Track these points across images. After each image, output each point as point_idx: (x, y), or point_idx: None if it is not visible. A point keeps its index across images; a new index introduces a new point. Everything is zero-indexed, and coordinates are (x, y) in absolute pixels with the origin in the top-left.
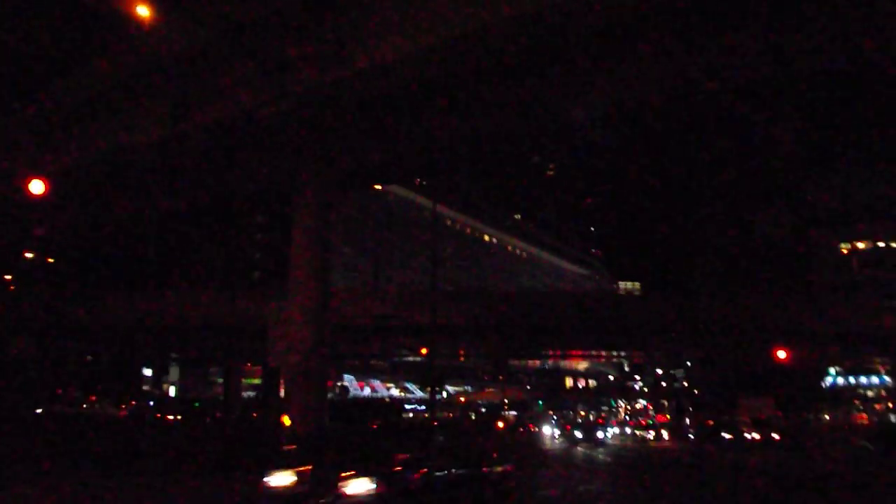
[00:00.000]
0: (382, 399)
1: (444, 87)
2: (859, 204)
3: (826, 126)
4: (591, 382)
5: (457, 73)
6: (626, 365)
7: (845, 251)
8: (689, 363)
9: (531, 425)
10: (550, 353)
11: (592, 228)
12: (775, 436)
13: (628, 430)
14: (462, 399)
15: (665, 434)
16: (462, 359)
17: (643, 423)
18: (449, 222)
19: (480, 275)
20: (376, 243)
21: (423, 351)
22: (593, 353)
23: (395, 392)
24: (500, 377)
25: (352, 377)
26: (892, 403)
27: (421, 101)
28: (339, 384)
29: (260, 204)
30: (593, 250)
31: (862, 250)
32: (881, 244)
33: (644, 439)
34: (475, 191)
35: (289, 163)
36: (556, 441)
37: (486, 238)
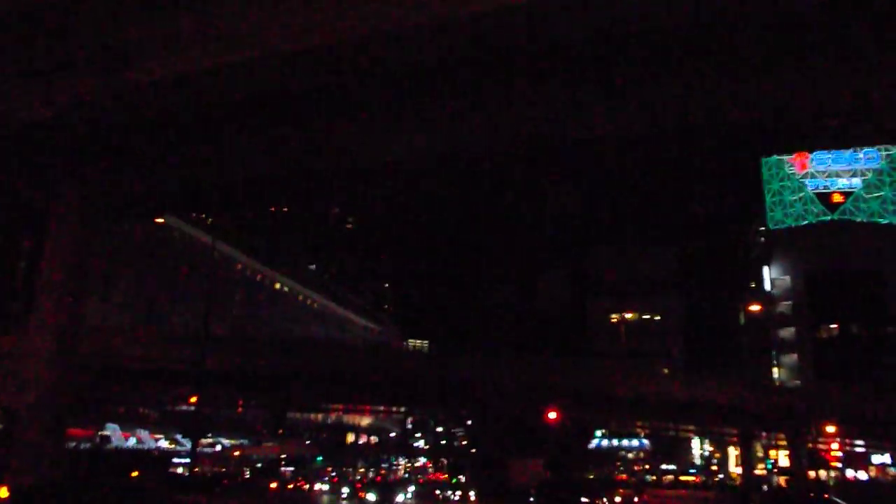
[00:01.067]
0: (148, 451)
1: (225, 115)
2: (631, 279)
3: (611, 201)
4: (373, 439)
5: (243, 101)
6: (408, 422)
7: (615, 320)
8: (469, 422)
9: (302, 482)
10: (332, 407)
11: (386, 285)
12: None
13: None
14: (236, 453)
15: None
16: (240, 410)
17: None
18: (239, 266)
19: (268, 322)
20: (154, 281)
21: (193, 399)
22: (376, 408)
23: (165, 444)
24: (280, 431)
25: (116, 426)
26: (650, 465)
27: (199, 128)
28: (99, 433)
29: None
30: (385, 307)
31: (629, 321)
32: (646, 316)
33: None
34: (270, 238)
35: (46, 179)
36: (343, 500)
37: (277, 286)
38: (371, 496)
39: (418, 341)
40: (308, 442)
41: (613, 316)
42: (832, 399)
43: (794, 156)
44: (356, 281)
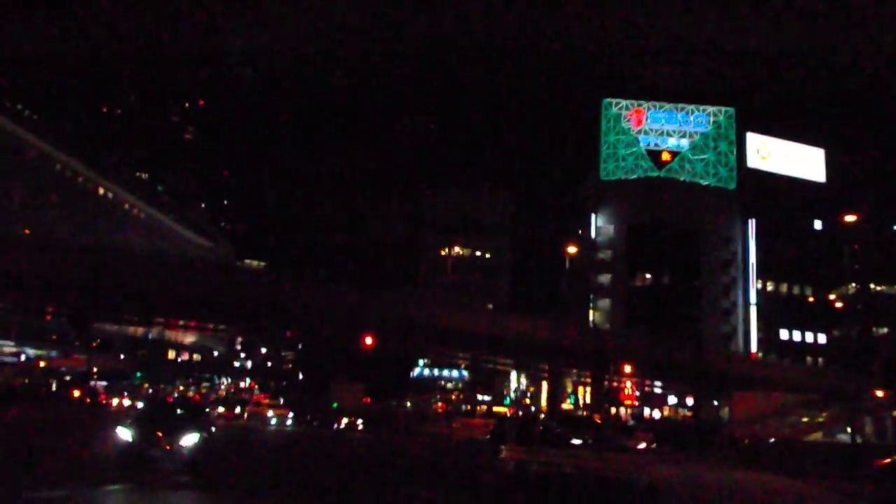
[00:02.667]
0: None
1: None
2: (466, 217)
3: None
4: (196, 357)
5: None
6: (236, 342)
7: (443, 254)
8: (300, 345)
9: (103, 395)
10: (153, 321)
11: (225, 202)
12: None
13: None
14: (42, 364)
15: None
16: (48, 317)
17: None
18: (58, 166)
19: (85, 229)
20: None
21: None
22: (200, 325)
23: None
24: (93, 344)
25: None
26: (466, 395)
27: None
28: None
29: None
30: (223, 224)
31: (459, 256)
32: (478, 253)
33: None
34: (99, 141)
35: None
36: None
37: (101, 191)
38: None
39: (254, 262)
40: (123, 357)
41: (442, 250)
42: (635, 343)
43: (632, 111)
44: (192, 195)
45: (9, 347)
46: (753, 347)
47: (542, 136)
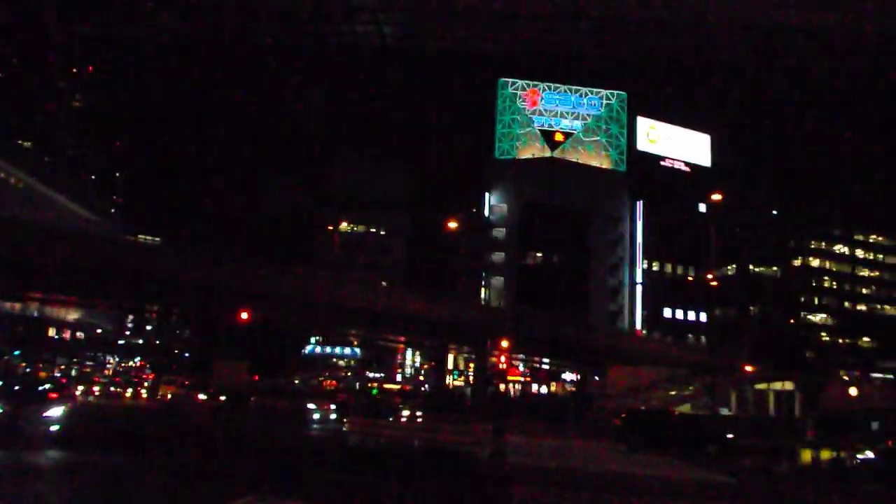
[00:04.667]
0: None
1: None
2: (363, 192)
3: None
4: (80, 335)
5: None
6: (127, 320)
7: (331, 229)
8: (188, 322)
9: None
10: (29, 296)
11: (118, 174)
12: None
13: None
14: None
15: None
16: None
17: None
18: None
19: None
20: None
21: None
22: (85, 301)
23: None
24: None
25: None
26: (360, 371)
27: None
28: None
29: None
30: (115, 197)
31: (354, 232)
32: (373, 230)
33: (120, 395)
34: None
35: None
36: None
37: None
38: None
39: (149, 237)
40: None
41: (335, 226)
42: (515, 320)
43: (527, 91)
44: (81, 167)
45: None
46: (639, 325)
47: (440, 114)
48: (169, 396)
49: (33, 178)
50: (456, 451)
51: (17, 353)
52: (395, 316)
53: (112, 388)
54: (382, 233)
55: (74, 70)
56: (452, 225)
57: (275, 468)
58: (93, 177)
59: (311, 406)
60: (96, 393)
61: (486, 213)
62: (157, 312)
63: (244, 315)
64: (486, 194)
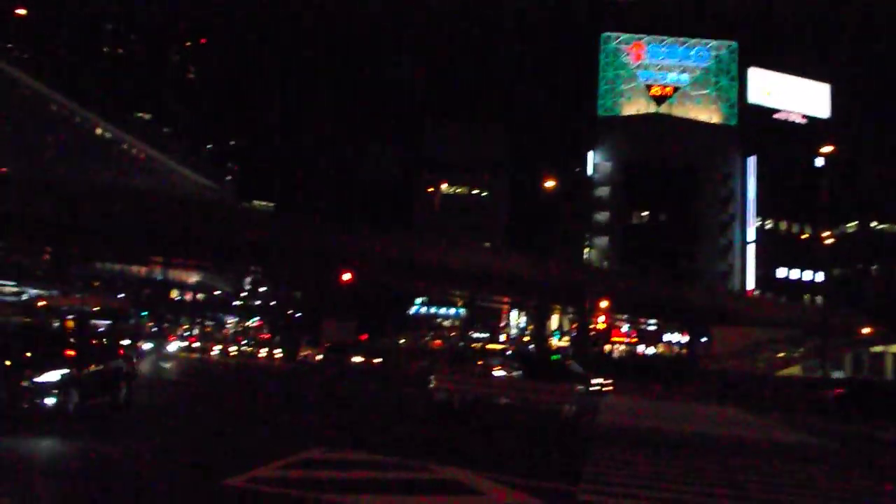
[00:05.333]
0: None
1: None
2: (463, 155)
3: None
4: (200, 296)
5: None
6: (245, 282)
7: (431, 191)
8: (299, 284)
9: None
10: (153, 260)
11: (232, 142)
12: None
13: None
14: (42, 303)
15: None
16: (45, 257)
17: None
18: (54, 107)
19: (83, 169)
20: None
21: None
22: (200, 264)
23: None
24: (94, 283)
25: None
26: (464, 332)
27: None
28: None
29: None
30: (230, 164)
31: (445, 193)
32: (475, 192)
33: (251, 355)
34: (98, 81)
35: None
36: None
37: (99, 132)
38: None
39: (261, 203)
40: (122, 295)
41: (435, 189)
42: (627, 280)
43: (631, 45)
44: (197, 136)
45: (10, 287)
46: (751, 285)
47: (540, 72)
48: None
49: (154, 149)
50: (541, 409)
51: (143, 314)
52: (498, 277)
53: (244, 348)
54: (483, 194)
55: (188, 43)
56: (554, 185)
57: (354, 421)
58: (208, 146)
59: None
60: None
61: (590, 172)
62: (270, 274)
63: (347, 276)
64: (589, 153)
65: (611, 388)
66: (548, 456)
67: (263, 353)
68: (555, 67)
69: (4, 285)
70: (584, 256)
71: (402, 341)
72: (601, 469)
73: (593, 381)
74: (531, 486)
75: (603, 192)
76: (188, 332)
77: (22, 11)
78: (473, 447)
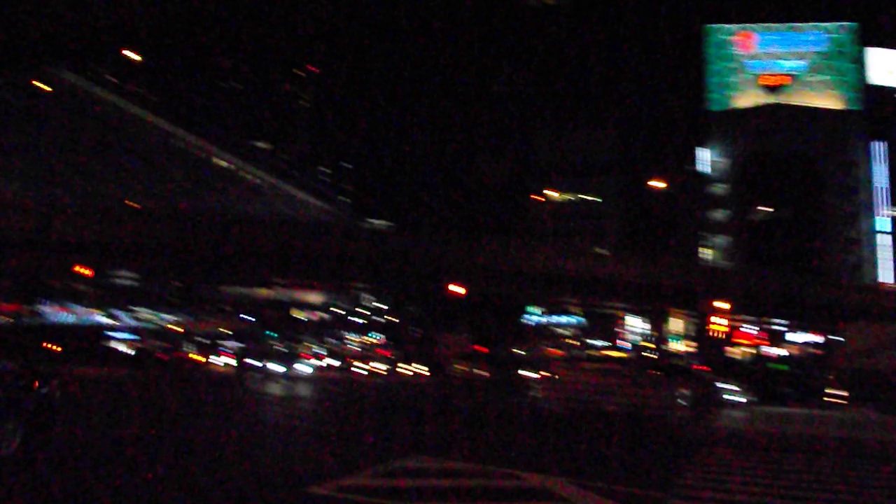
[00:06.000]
0: (82, 325)
1: None
2: (573, 160)
3: (555, 82)
4: (322, 315)
5: None
6: (362, 299)
7: (542, 199)
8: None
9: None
10: (275, 282)
11: (347, 164)
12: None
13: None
14: (176, 328)
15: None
16: (178, 284)
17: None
18: (180, 144)
19: (205, 199)
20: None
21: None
22: (323, 284)
23: (102, 319)
24: (226, 308)
25: (51, 302)
26: (580, 341)
27: None
28: (31, 308)
29: None
30: (345, 186)
31: (554, 200)
32: (587, 197)
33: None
34: (216, 114)
35: None
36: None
37: (219, 162)
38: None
39: (378, 221)
40: (248, 317)
41: (544, 196)
42: (749, 278)
43: (738, 35)
44: (312, 160)
45: (147, 314)
46: (886, 278)
47: (646, 71)
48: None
49: (272, 175)
50: (650, 414)
51: (267, 333)
52: (613, 282)
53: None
54: (594, 199)
55: (299, 72)
56: (666, 185)
57: (458, 430)
58: (324, 169)
59: (524, 374)
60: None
61: (703, 169)
62: (388, 290)
63: (458, 289)
64: (702, 150)
65: (736, 391)
66: (648, 462)
67: (384, 367)
68: (659, 65)
69: (141, 312)
70: (702, 256)
71: (520, 352)
72: (698, 476)
73: (718, 385)
74: (620, 493)
75: (719, 188)
76: (321, 351)
77: (137, 57)
78: (572, 455)
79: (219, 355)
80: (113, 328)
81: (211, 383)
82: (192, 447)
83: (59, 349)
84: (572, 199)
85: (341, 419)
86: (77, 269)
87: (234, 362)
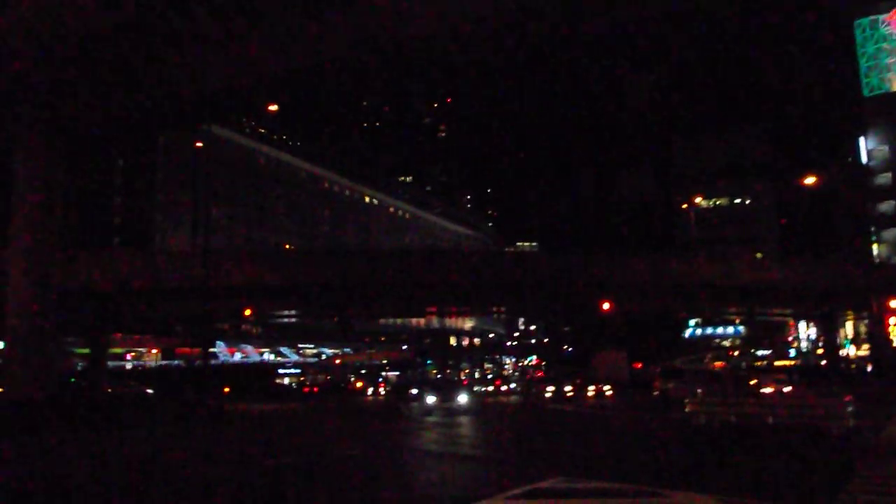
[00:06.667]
0: (252, 364)
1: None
2: (717, 164)
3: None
4: (476, 340)
5: None
6: (518, 323)
7: (685, 207)
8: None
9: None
10: (428, 311)
11: (489, 190)
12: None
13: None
14: (337, 361)
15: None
16: (335, 319)
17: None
18: (327, 184)
19: (357, 235)
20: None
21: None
22: (476, 311)
23: (269, 356)
24: (381, 338)
25: (222, 343)
26: (742, 352)
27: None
28: (207, 350)
29: None
30: (489, 212)
31: (702, 207)
32: (737, 201)
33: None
34: (361, 155)
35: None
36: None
37: (367, 199)
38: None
39: (525, 244)
40: (405, 347)
41: (690, 204)
42: None
43: (891, 14)
44: (456, 188)
45: (310, 349)
46: None
47: (788, 63)
48: None
49: (417, 208)
50: (814, 425)
51: (428, 362)
52: (773, 287)
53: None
54: (746, 202)
55: (435, 105)
56: (823, 180)
57: (610, 450)
58: (467, 196)
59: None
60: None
61: (864, 159)
62: (539, 312)
63: (606, 306)
64: (860, 139)
65: None
66: (808, 477)
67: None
68: (803, 55)
69: (306, 348)
70: (873, 252)
71: (677, 365)
72: (864, 490)
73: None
74: None
75: (884, 178)
76: (490, 376)
77: (274, 107)
78: (723, 471)
79: (378, 386)
80: (280, 365)
81: (369, 412)
82: (347, 472)
83: (230, 389)
84: (721, 204)
85: (491, 442)
86: (245, 311)
87: (384, 391)
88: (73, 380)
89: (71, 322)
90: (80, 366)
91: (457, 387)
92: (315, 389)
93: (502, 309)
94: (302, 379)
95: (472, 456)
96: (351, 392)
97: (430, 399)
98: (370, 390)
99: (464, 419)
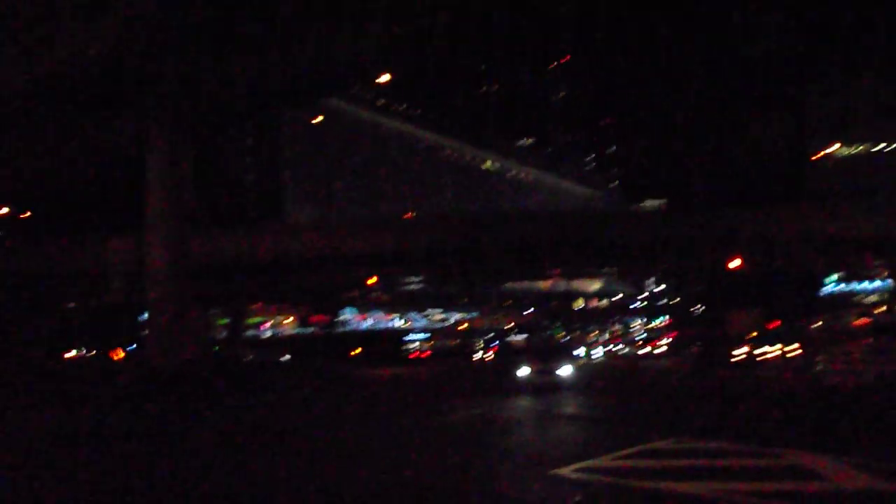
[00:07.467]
0: (382, 330)
1: None
2: (854, 108)
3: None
4: (603, 302)
5: None
6: (646, 284)
7: (820, 155)
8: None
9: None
10: (552, 273)
11: (614, 148)
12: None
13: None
14: (463, 326)
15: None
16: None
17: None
18: (448, 151)
19: (477, 200)
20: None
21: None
22: (600, 271)
23: (399, 322)
24: (508, 301)
25: (354, 310)
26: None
27: None
28: (337, 318)
29: None
30: (614, 170)
31: (840, 155)
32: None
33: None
34: (478, 121)
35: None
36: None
37: (489, 164)
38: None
39: (650, 202)
40: (531, 310)
41: (826, 151)
42: None
43: None
44: (575, 149)
45: (438, 314)
46: None
47: None
48: None
49: (538, 170)
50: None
51: (557, 325)
52: None
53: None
54: (891, 147)
55: (554, 64)
56: None
57: (728, 411)
58: (590, 157)
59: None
60: None
61: None
62: (668, 271)
63: (736, 262)
64: None
65: None
66: None
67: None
68: None
69: (433, 313)
70: None
71: (819, 324)
72: None
73: None
74: (887, 470)
75: None
76: (605, 337)
77: (386, 77)
78: (849, 432)
79: (489, 350)
80: (408, 330)
81: (486, 375)
82: (455, 428)
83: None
84: (862, 151)
85: (609, 404)
86: (371, 279)
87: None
88: (216, 348)
89: (213, 295)
90: (223, 335)
91: (563, 356)
92: (426, 354)
93: (629, 269)
94: (423, 344)
95: (588, 417)
96: (468, 357)
97: (523, 372)
98: (479, 355)
99: (581, 381)
